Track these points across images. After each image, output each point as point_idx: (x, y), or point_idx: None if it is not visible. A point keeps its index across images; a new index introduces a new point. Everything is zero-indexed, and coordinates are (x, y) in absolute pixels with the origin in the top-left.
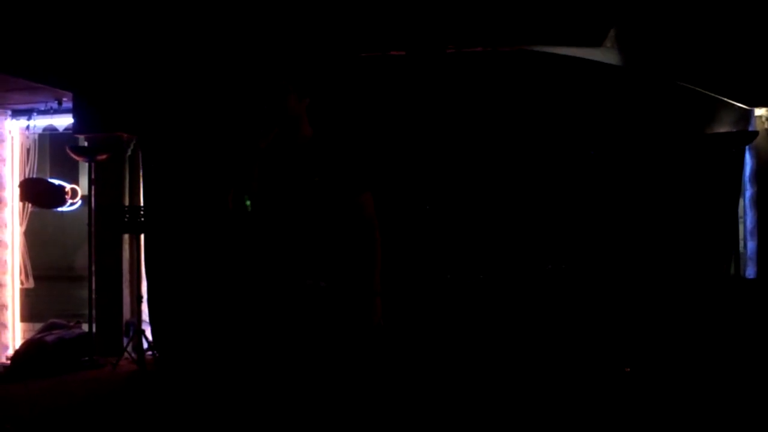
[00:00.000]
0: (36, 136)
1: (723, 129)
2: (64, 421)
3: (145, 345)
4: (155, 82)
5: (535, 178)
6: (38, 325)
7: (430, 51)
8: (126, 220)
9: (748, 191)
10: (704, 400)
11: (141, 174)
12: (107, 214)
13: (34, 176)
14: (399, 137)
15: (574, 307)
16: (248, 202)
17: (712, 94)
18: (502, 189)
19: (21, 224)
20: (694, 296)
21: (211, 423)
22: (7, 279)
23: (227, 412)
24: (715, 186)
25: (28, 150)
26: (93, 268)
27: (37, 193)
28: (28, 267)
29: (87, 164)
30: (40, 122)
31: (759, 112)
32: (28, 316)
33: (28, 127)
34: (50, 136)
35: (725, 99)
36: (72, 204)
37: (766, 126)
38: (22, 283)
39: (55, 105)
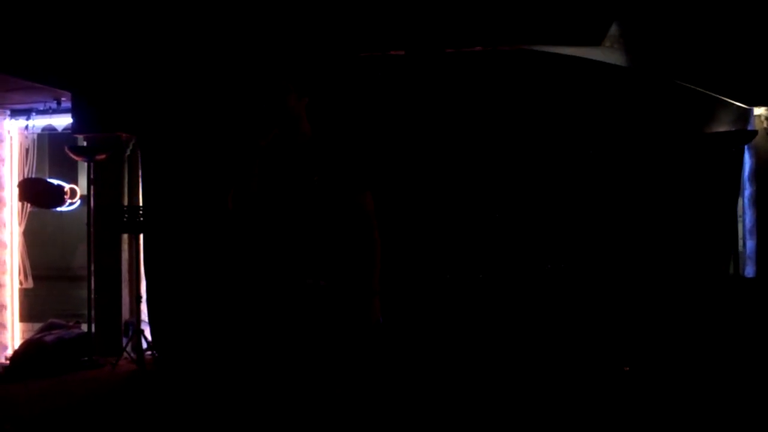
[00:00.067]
0: (35, 136)
1: (722, 128)
2: (63, 421)
3: (145, 345)
4: (154, 82)
5: (535, 178)
6: (37, 325)
7: (429, 50)
8: (125, 220)
9: (747, 190)
10: (703, 399)
11: (140, 174)
12: (106, 214)
13: (33, 176)
14: (398, 137)
15: (574, 307)
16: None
17: (711, 93)
18: (501, 188)
19: (20, 224)
20: (693, 295)
21: (211, 423)
22: (6, 279)
23: (227, 412)
24: (714, 185)
25: (27, 150)
26: (92, 268)
27: (36, 193)
28: (27, 267)
29: (86, 164)
30: (39, 122)
31: (758, 111)
32: (27, 316)
33: (27, 127)
34: (49, 135)
35: (724, 98)
36: (71, 204)
37: (765, 125)
38: (21, 283)
39: (54, 105)
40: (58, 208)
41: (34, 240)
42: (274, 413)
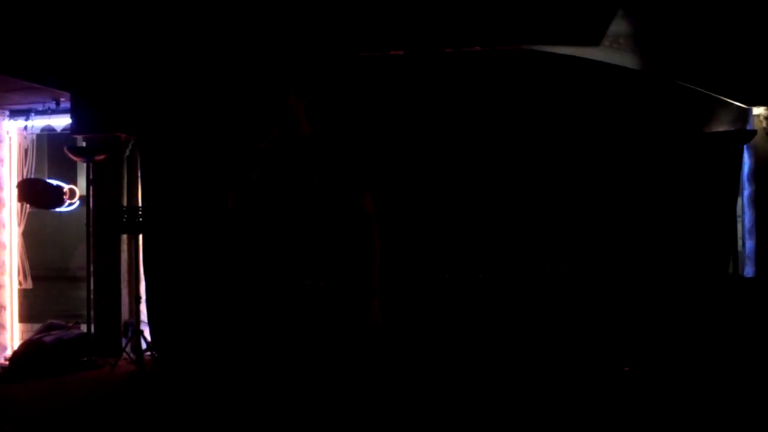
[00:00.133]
0: (34, 137)
1: (721, 128)
2: (63, 422)
3: (144, 345)
4: (153, 83)
5: (534, 178)
6: (37, 326)
7: (428, 50)
8: (124, 220)
9: (747, 190)
10: (703, 399)
11: (139, 174)
12: (105, 215)
13: (32, 177)
14: (398, 137)
15: (573, 307)
16: None
17: (710, 93)
18: (501, 188)
19: (19, 225)
20: (693, 295)
21: (210, 423)
22: (6, 280)
23: (226, 413)
24: (714, 185)
25: (26, 150)
26: (91, 269)
27: (35, 194)
28: (27, 268)
29: (85, 164)
30: (38, 122)
31: (757, 110)
32: (26, 316)
33: (26, 128)
34: (48, 136)
35: (723, 98)
36: (70, 204)
37: (764, 125)
38: (20, 284)
39: (53, 105)
40: (58, 209)
41: (34, 240)
42: (274, 414)
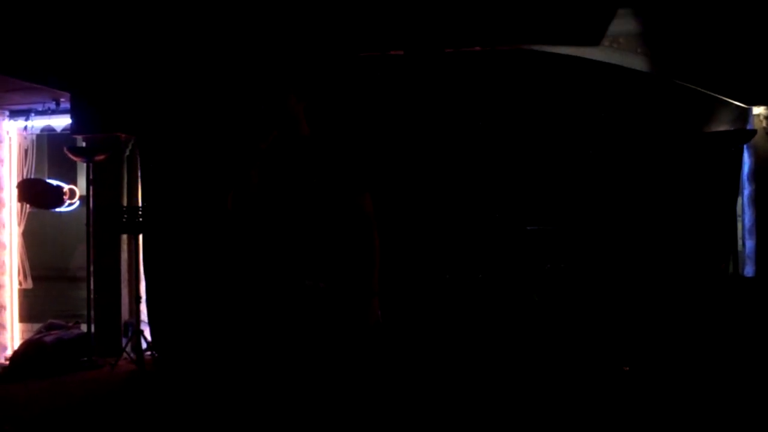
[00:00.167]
0: (34, 137)
1: (721, 127)
2: (63, 422)
3: (144, 345)
4: (153, 83)
5: (534, 178)
6: (37, 326)
7: (428, 50)
8: (124, 220)
9: (747, 190)
10: (703, 398)
11: (139, 174)
12: (105, 215)
13: (32, 177)
14: (398, 137)
15: (573, 306)
16: None
17: (710, 93)
18: (500, 188)
19: (19, 225)
20: (693, 295)
21: (210, 423)
22: (6, 280)
23: (226, 412)
24: (714, 184)
25: (26, 150)
26: (91, 269)
27: (35, 194)
28: (27, 268)
29: (85, 165)
30: (38, 123)
31: (757, 110)
32: (26, 316)
33: (26, 128)
34: (48, 136)
35: (723, 97)
36: (70, 204)
37: (764, 124)
38: (20, 284)
39: (53, 105)
40: (58, 209)
41: (34, 240)
42: (274, 413)
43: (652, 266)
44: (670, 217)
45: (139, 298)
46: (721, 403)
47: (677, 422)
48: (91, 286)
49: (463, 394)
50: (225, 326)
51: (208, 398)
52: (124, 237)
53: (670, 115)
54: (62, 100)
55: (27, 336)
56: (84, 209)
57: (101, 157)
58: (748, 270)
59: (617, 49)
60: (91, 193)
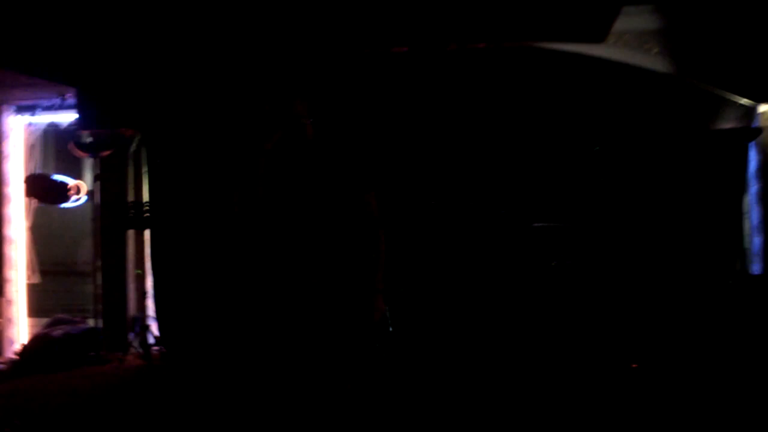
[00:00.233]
0: (40, 132)
1: (728, 125)
2: (71, 416)
3: (151, 340)
4: (159, 79)
5: (540, 175)
6: (44, 321)
7: (433, 47)
8: (130, 215)
9: (753, 187)
10: (710, 396)
11: (145, 170)
12: (112, 210)
13: (39, 172)
14: (402, 134)
15: (580, 304)
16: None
17: (717, 90)
18: (506, 185)
19: (26, 220)
20: (700, 292)
21: (217, 418)
22: (14, 274)
23: (233, 407)
24: (720, 182)
25: (32, 146)
26: (98, 264)
27: (41, 189)
28: (34, 262)
29: (91, 160)
30: (44, 118)
31: (764, 108)
32: (34, 311)
33: (31, 123)
34: (54, 132)
35: (730, 95)
36: (76, 200)
37: None
38: (28, 279)
39: (58, 101)
40: (64, 204)
41: (41, 236)
42: (280, 409)
43: (659, 264)
44: (677, 215)
45: (145, 293)
46: (729, 401)
47: (685, 420)
48: (98, 281)
49: (470, 391)
50: (232, 321)
51: (215, 393)
52: (131, 232)
53: (676, 112)
54: (68, 95)
55: (35, 330)
56: (90, 204)
57: (107, 153)
58: (756, 268)
59: (623, 46)
60: (97, 188)
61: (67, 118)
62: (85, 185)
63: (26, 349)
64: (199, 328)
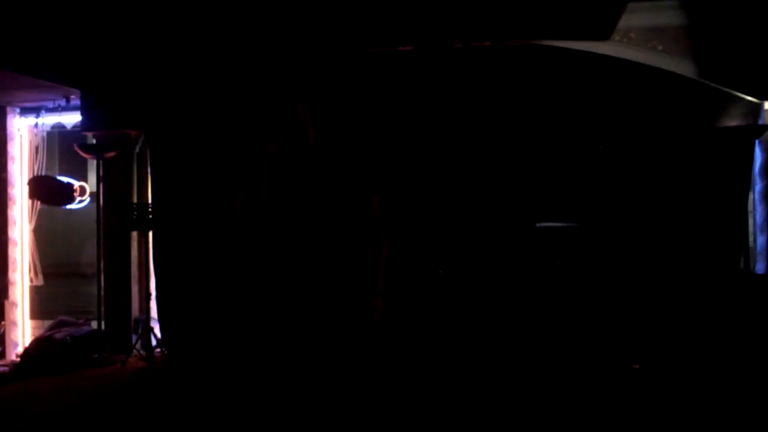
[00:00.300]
0: (44, 134)
1: (732, 123)
2: (74, 419)
3: (154, 342)
4: (162, 80)
5: (544, 174)
6: (47, 323)
7: (437, 46)
8: (134, 217)
9: (758, 185)
10: (713, 396)
11: (149, 171)
12: (116, 212)
13: (43, 174)
14: (406, 133)
15: (583, 304)
16: None
17: (722, 88)
18: (510, 185)
19: (30, 222)
20: (704, 291)
21: (220, 420)
22: (17, 276)
23: (235, 409)
24: (725, 180)
25: (37, 147)
26: (102, 266)
27: (45, 191)
28: (38, 264)
29: (95, 161)
30: (49, 120)
31: None
32: (37, 313)
33: (36, 125)
34: (58, 133)
35: (735, 92)
36: (80, 201)
37: None
38: (31, 281)
39: (63, 102)
40: (68, 206)
41: (44, 237)
42: (282, 411)
43: (663, 263)
44: (681, 214)
45: (149, 295)
46: (732, 401)
47: (687, 420)
48: (102, 283)
49: (472, 392)
50: (235, 323)
51: (217, 395)
52: (135, 234)
53: (681, 110)
54: (72, 97)
55: (38, 333)
56: (94, 206)
57: (111, 154)
58: (760, 266)
59: (628, 43)
60: (101, 190)
61: (71, 119)
62: (88, 187)
63: (29, 352)
64: (202, 330)
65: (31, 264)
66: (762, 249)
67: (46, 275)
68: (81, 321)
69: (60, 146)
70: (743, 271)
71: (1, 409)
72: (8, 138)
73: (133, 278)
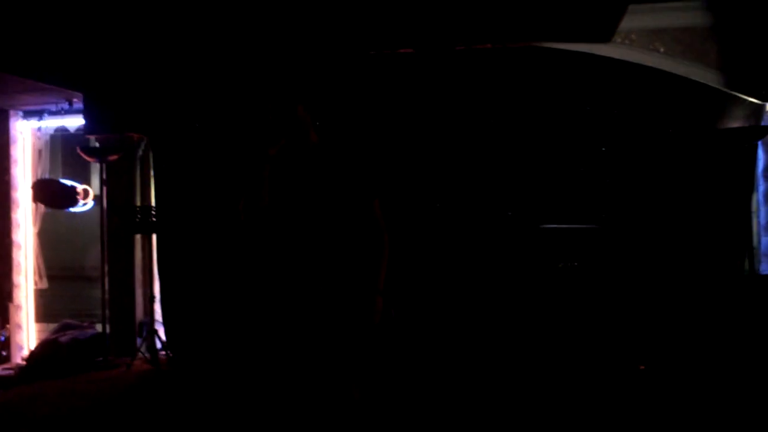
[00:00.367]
0: (47, 137)
1: (735, 124)
2: (79, 422)
3: (159, 345)
4: (165, 83)
5: (547, 176)
6: (52, 326)
7: (439, 48)
8: (138, 220)
9: (762, 187)
10: (719, 397)
11: (152, 174)
12: (119, 215)
13: (46, 177)
14: (408, 136)
15: (587, 305)
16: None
17: (724, 89)
18: (513, 187)
19: (34, 225)
20: (708, 293)
21: (225, 422)
22: (21, 280)
23: (240, 412)
24: (728, 181)
25: (40, 151)
26: (106, 269)
27: (49, 194)
28: (42, 267)
29: (98, 165)
30: (52, 123)
31: None
32: (42, 316)
33: (39, 128)
34: (62, 136)
35: (737, 94)
36: (84, 204)
37: None
38: (35, 284)
39: (66, 106)
40: (72, 209)
41: (48, 241)
42: (286, 412)
43: (667, 264)
44: (685, 215)
45: (153, 298)
46: (737, 402)
47: (692, 421)
48: (106, 286)
49: (476, 393)
50: (239, 326)
51: (222, 398)
52: (138, 237)
53: (684, 111)
54: (75, 100)
55: (43, 336)
56: (98, 209)
57: (114, 157)
58: (764, 267)
59: (630, 45)
60: (104, 193)
61: (74, 122)
62: (92, 190)
63: (34, 355)
64: (206, 333)
65: (36, 267)
66: (766, 250)
67: (50, 278)
68: (86, 324)
69: (63, 149)
70: (747, 272)
71: (7, 413)
72: (11, 141)
73: (137, 281)
